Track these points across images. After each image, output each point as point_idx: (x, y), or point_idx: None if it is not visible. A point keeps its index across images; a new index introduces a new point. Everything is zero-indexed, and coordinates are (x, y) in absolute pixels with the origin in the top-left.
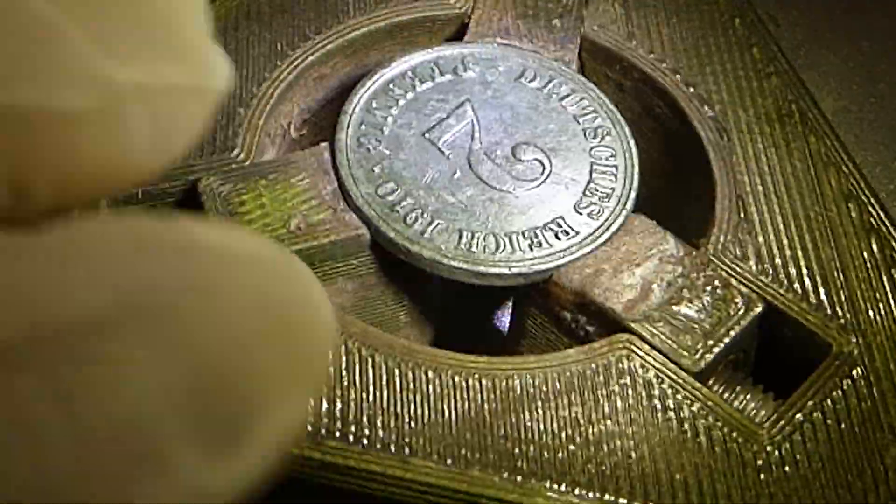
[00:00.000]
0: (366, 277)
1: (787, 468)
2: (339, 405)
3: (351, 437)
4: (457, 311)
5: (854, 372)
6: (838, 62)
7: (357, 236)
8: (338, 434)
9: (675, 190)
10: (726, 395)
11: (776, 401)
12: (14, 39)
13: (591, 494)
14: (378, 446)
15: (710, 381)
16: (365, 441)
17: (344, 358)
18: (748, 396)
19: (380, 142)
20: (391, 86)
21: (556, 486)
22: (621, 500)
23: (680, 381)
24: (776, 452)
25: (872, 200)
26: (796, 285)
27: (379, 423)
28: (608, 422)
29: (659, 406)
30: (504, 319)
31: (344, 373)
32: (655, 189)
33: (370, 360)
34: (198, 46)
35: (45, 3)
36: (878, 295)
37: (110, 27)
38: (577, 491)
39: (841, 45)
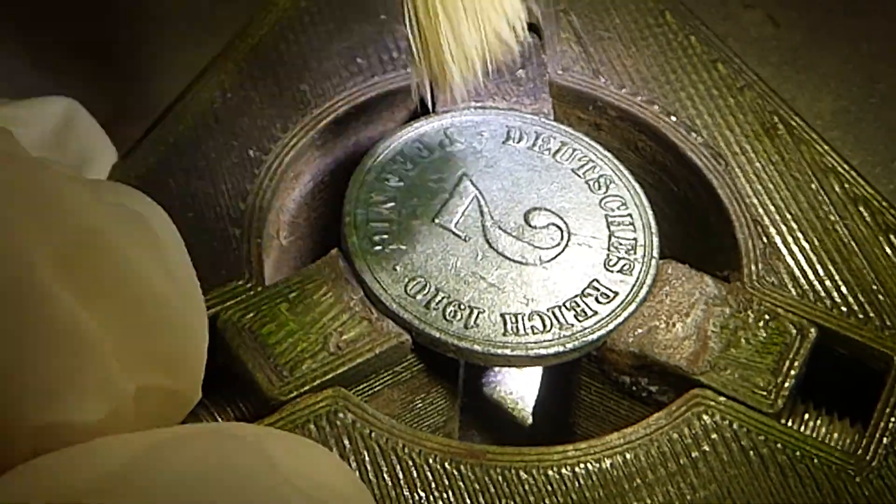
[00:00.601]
0: (410, 382)
1: (892, 493)
2: None
3: None
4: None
5: None
6: (838, 62)
7: (400, 344)
8: None
9: (687, 226)
10: (803, 429)
11: (852, 425)
12: (53, 349)
13: None
14: None
15: (783, 419)
16: None
17: (429, 475)
18: (821, 425)
19: (393, 238)
20: (383, 175)
21: None
22: None
23: (764, 426)
24: (880, 480)
25: (881, 199)
26: (839, 301)
27: None
28: (712, 485)
29: (753, 457)
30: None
31: (444, 492)
32: (668, 229)
33: (457, 473)
34: (190, 357)
35: (81, 309)
36: None
37: (130, 334)
38: None
39: (841, 45)
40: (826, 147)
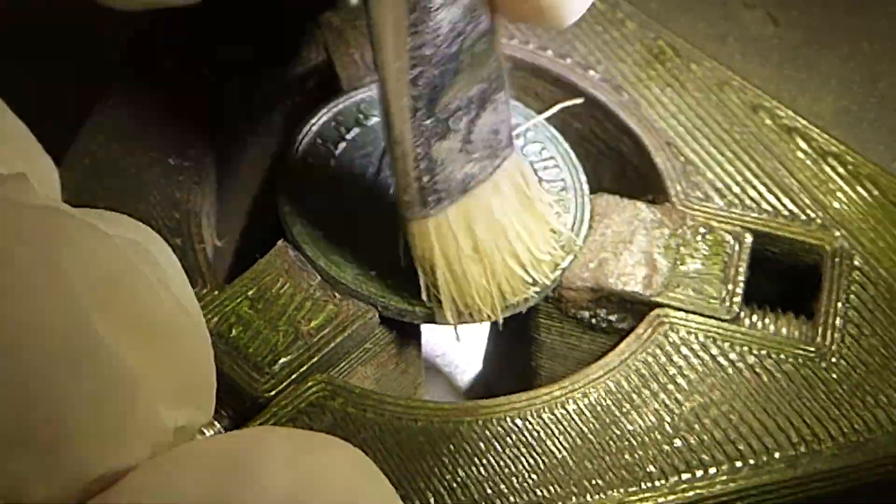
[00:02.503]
0: (380, 355)
1: (854, 372)
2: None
3: None
4: None
5: (856, 262)
6: (838, 62)
7: (368, 320)
8: None
9: (603, 161)
10: (761, 328)
11: (797, 318)
12: (106, 396)
13: (721, 469)
14: None
15: (741, 324)
16: None
17: (435, 439)
18: (773, 323)
19: (337, 221)
20: (308, 160)
21: (687, 475)
22: (750, 461)
23: (727, 332)
24: (841, 361)
25: (776, 104)
26: (763, 205)
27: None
28: (695, 396)
29: (724, 362)
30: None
31: (453, 454)
32: (587, 168)
33: (460, 432)
34: (209, 385)
35: (124, 352)
36: (830, 186)
37: (162, 371)
38: (711, 471)
39: (841, 45)
40: (714, 62)
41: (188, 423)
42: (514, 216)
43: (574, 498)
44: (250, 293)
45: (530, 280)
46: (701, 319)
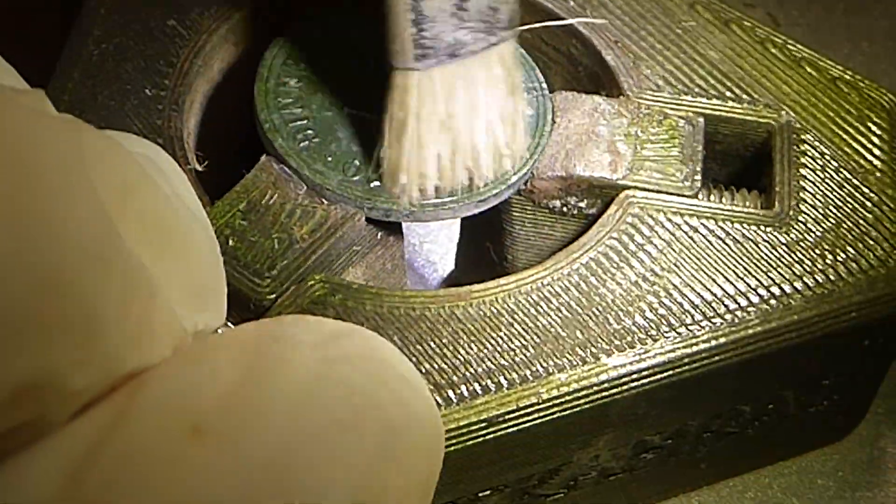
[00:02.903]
0: (367, 257)
1: (812, 232)
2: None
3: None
4: None
5: (803, 136)
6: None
7: (356, 222)
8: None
9: (555, 64)
10: (722, 202)
11: (750, 192)
12: (132, 299)
13: (702, 327)
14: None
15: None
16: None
17: (435, 325)
18: (731, 197)
19: (315, 133)
20: (281, 78)
21: (671, 334)
22: (727, 318)
23: (693, 207)
24: (798, 223)
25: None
26: (710, 90)
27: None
28: (670, 264)
29: (695, 235)
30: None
31: (453, 338)
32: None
33: (457, 315)
34: (220, 286)
35: (144, 256)
36: (772, 70)
37: (177, 275)
38: (693, 329)
39: (841, 44)
40: None
41: (205, 326)
42: (496, 100)
43: (569, 368)
44: (241, 206)
45: (488, 170)
46: (666, 197)
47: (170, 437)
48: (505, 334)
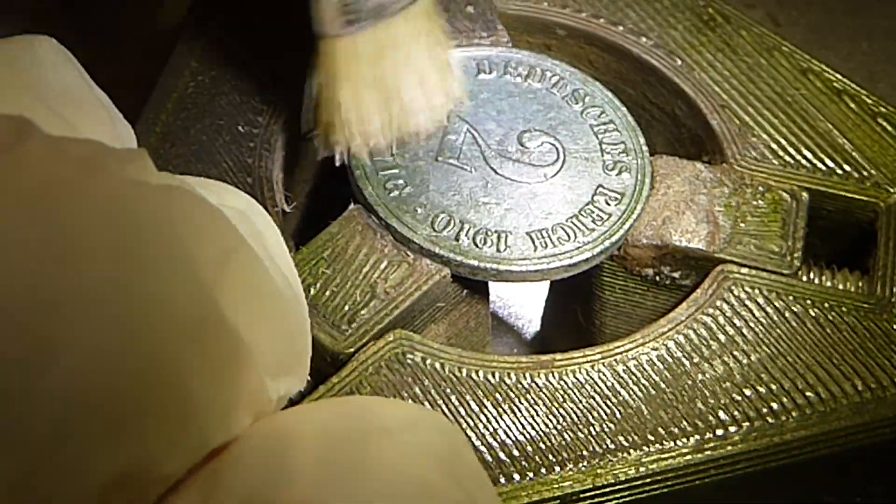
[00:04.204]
0: (452, 314)
1: None
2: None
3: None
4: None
5: None
6: (838, 62)
7: (441, 279)
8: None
9: (657, 124)
10: (819, 283)
11: (852, 273)
12: (227, 370)
13: (792, 416)
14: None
15: (802, 278)
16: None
17: (510, 392)
18: (832, 278)
19: (406, 182)
20: None
21: (759, 422)
22: (819, 409)
23: (789, 286)
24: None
25: (825, 67)
26: (818, 164)
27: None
28: (762, 348)
29: (789, 316)
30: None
31: (531, 405)
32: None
33: (536, 385)
34: (306, 353)
35: (243, 326)
36: (882, 145)
37: (271, 344)
38: (782, 418)
39: (841, 45)
40: (763, 29)
41: (286, 391)
42: (420, 54)
43: (649, 445)
44: (325, 254)
45: (427, 121)
46: (763, 274)
47: None
48: (586, 406)
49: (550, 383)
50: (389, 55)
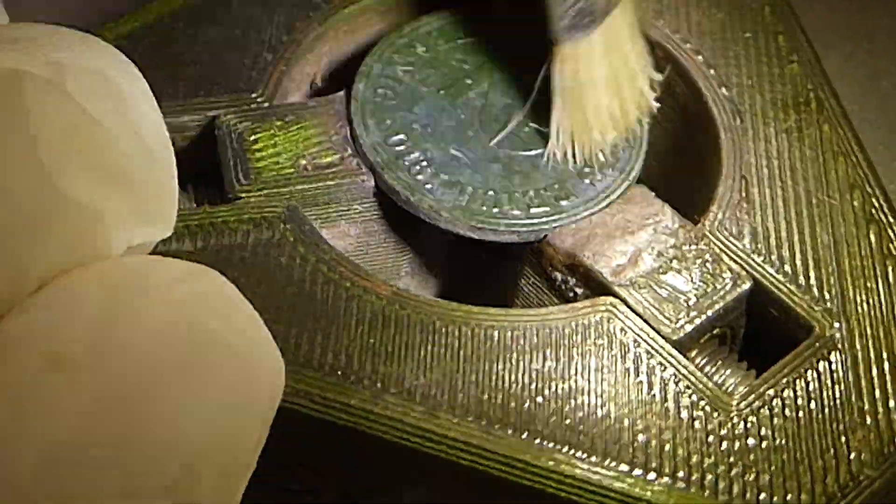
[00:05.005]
0: (368, 224)
1: (750, 440)
2: (320, 338)
3: (328, 368)
4: (460, 269)
5: (832, 356)
6: (839, 61)
7: (361, 181)
8: (316, 365)
9: (685, 167)
10: (707, 367)
11: (749, 370)
12: (68, 229)
13: (551, 445)
14: (352, 379)
15: (693, 353)
16: (340, 373)
17: (333, 293)
18: (729, 371)
19: (396, 94)
20: (414, 41)
21: (519, 435)
22: (579, 454)
23: (657, 347)
24: (742, 424)
25: (877, 191)
26: (787, 267)
27: (356, 358)
28: (579, 378)
29: (632, 368)
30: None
31: (331, 308)
32: (669, 165)
33: (357, 299)
34: (172, 210)
35: (86, 192)
36: (868, 284)
37: (127, 207)
38: (537, 441)
39: (842, 43)
40: (849, 133)
41: (146, 239)
42: (634, 45)
43: (405, 399)
44: (288, 118)
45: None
46: (643, 326)
47: (31, 365)
48: None
49: (371, 304)
50: (616, 48)
